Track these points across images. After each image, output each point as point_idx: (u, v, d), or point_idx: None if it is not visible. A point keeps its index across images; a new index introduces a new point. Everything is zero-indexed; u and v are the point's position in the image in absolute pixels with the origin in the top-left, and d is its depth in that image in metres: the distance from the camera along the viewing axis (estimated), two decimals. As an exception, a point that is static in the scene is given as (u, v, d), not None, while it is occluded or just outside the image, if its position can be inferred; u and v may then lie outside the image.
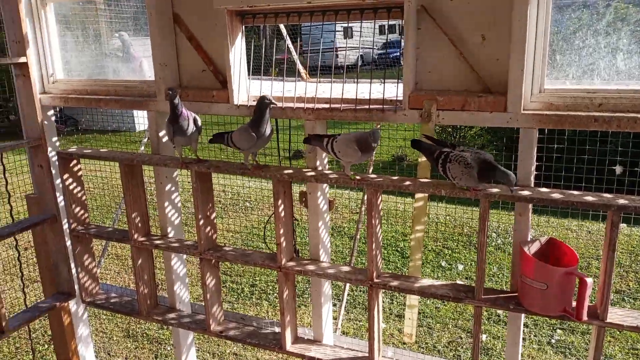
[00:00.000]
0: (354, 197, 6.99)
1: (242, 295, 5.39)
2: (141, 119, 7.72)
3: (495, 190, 1.90)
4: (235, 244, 6.38)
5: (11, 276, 5.71)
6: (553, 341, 4.42)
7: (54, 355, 4.41)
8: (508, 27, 1.87)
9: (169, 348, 4.58)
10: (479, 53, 1.98)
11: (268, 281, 5.62)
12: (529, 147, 1.94)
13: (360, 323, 4.79)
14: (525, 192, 1.88)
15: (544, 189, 1.92)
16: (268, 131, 2.26)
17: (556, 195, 1.87)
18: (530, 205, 1.98)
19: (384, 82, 2.24)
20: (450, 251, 5.92)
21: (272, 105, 2.21)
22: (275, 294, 5.36)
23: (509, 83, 1.88)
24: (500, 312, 4.74)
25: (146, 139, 4.71)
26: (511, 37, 1.84)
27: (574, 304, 1.92)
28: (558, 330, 4.53)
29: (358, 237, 3.69)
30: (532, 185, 1.97)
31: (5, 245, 5.80)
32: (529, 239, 2.02)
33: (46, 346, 4.62)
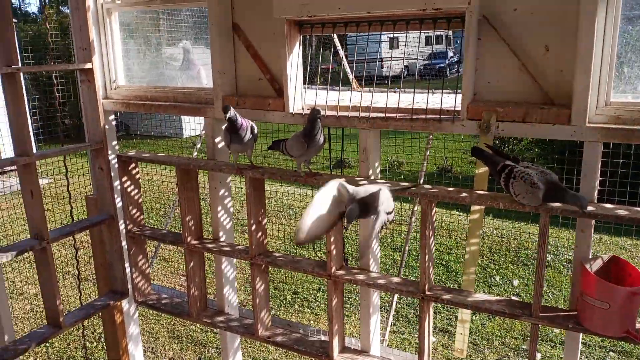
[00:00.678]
0: (400, 209, 6.92)
1: (285, 302, 5.42)
2: (189, 125, 7.91)
3: (556, 204, 1.85)
4: (279, 250, 6.43)
5: (63, 274, 5.94)
6: (606, 364, 4.24)
7: (102, 352, 4.55)
8: (574, 38, 1.83)
9: (212, 351, 4.65)
10: (542, 64, 1.94)
11: (311, 289, 5.63)
12: (593, 162, 1.88)
13: (404, 336, 4.74)
14: (589, 208, 1.82)
15: (608, 205, 1.86)
16: (320, 140, 2.28)
17: (621, 211, 1.81)
18: (593, 222, 1.92)
19: (441, 92, 2.22)
20: (497, 266, 5.78)
21: (320, 116, 2.22)
22: (317, 303, 5.37)
23: (574, 95, 1.83)
24: (549, 331, 4.59)
25: (199, 144, 4.82)
26: (577, 48, 1.80)
27: (637, 325, 1.84)
28: (611, 353, 4.34)
29: (407, 248, 3.65)
30: (596, 200, 1.91)
31: (58, 244, 6.05)
32: (590, 257, 1.95)
33: (95, 343, 4.77)
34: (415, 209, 3.86)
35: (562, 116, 1.86)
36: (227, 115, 2.31)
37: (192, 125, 7.34)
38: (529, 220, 5.42)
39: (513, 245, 6.06)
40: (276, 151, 2.50)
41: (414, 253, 6.10)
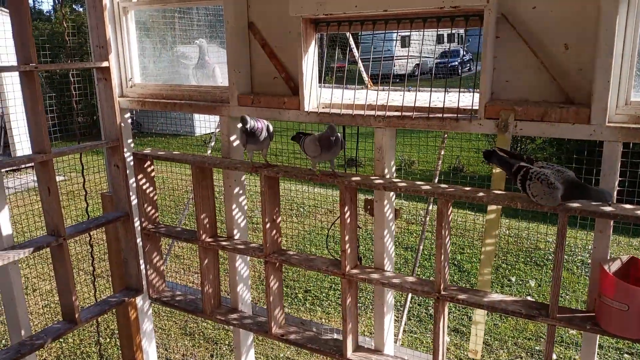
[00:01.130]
0: (412, 208, 6.90)
1: (296, 300, 5.43)
2: (201, 123, 7.96)
3: (575, 205, 1.83)
4: (290, 248, 6.44)
5: (77, 271, 5.99)
6: (621, 366, 4.21)
7: (116, 348, 4.59)
8: (594, 37, 1.82)
9: (224, 348, 4.67)
10: (561, 63, 1.93)
11: (322, 287, 5.64)
12: (613, 162, 1.86)
13: (415, 335, 4.73)
14: (608, 208, 1.80)
15: (628, 206, 1.84)
16: (335, 148, 2.30)
17: (641, 212, 1.79)
18: (612, 222, 1.90)
19: (459, 91, 2.21)
20: (509, 267, 5.74)
21: (336, 135, 2.25)
22: (328, 301, 5.37)
23: (594, 94, 1.81)
24: (563, 332, 4.55)
25: (212, 142, 4.84)
26: (597, 46, 1.78)
27: (657, 327, 1.82)
28: (626, 355, 4.30)
29: (421, 247, 3.64)
30: (615, 201, 1.89)
31: (72, 241, 6.11)
32: (608, 257, 1.93)
33: (108, 339, 4.81)
34: (430, 208, 3.84)
35: (581, 115, 1.84)
36: (248, 127, 2.33)
37: (204, 124, 7.38)
38: (542, 220, 5.39)
39: (526, 246, 6.01)
40: (287, 149, 2.51)
41: (425, 252, 6.09)
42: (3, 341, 4.61)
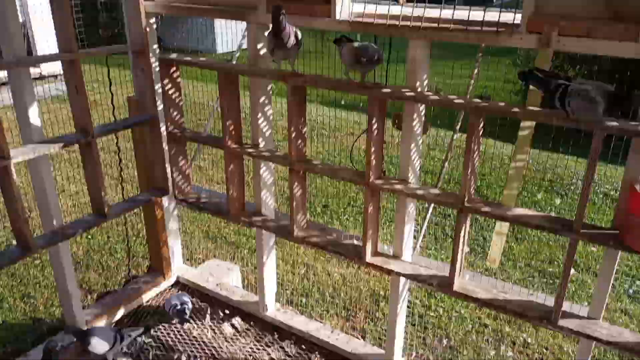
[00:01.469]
0: (437, 135, 6.81)
1: (315, 213, 5.56)
2: (223, 42, 7.81)
3: (612, 123, 1.79)
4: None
5: (104, 176, 6.15)
6: (631, 291, 4.31)
7: (141, 245, 4.81)
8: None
9: (244, 252, 4.87)
10: (613, -23, 1.81)
11: (340, 203, 5.74)
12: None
13: (430, 251, 4.86)
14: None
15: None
16: (370, 62, 2.27)
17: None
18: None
19: (500, 8, 2.10)
20: (529, 194, 5.76)
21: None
22: (346, 216, 5.49)
23: (645, 11, 1.72)
24: (577, 257, 4.64)
25: (238, 53, 4.76)
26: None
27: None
28: (638, 282, 4.39)
29: (446, 165, 3.63)
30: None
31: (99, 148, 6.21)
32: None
33: (134, 238, 5.02)
34: (457, 127, 3.77)
35: (630, 32, 1.76)
36: (282, 17, 2.27)
37: (226, 43, 7.22)
38: (571, 151, 5.32)
39: (548, 177, 5.99)
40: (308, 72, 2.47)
41: (446, 177, 6.10)
42: (37, 231, 4.84)
